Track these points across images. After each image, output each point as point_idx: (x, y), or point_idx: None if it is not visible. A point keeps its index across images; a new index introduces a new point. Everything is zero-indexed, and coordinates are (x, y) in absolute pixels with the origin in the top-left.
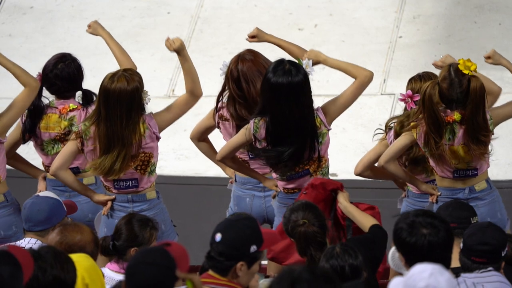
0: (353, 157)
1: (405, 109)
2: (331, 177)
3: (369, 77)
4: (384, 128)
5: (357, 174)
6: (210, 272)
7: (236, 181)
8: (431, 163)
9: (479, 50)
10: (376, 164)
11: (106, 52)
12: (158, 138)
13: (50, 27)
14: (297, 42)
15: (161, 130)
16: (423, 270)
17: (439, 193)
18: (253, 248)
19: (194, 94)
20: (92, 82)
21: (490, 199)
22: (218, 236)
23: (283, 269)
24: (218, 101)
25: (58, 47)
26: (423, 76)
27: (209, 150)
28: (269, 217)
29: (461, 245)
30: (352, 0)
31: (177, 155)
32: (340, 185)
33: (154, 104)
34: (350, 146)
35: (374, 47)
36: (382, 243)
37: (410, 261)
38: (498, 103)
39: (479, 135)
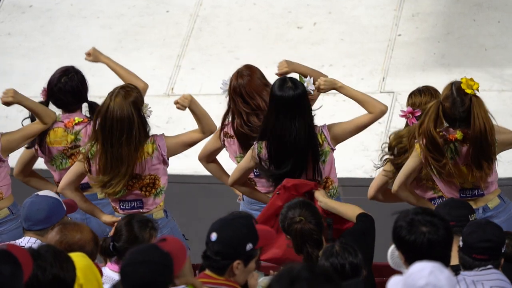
0: (353, 155)
1: (407, 124)
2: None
3: (384, 112)
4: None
5: (370, 199)
6: (207, 271)
7: (243, 199)
8: (438, 184)
9: (478, 47)
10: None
11: (105, 51)
12: (166, 163)
13: (49, 26)
14: (296, 40)
15: (169, 155)
16: (423, 268)
17: None
18: (249, 246)
19: (210, 132)
20: (91, 81)
21: (507, 216)
22: (214, 236)
23: (282, 267)
24: (224, 120)
25: (57, 45)
26: (423, 91)
27: (218, 171)
28: None
29: (461, 243)
30: None
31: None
32: (313, 185)
33: (153, 103)
34: (349, 144)
35: (373, 45)
36: (372, 231)
37: (409, 259)
38: (497, 103)
39: (482, 159)
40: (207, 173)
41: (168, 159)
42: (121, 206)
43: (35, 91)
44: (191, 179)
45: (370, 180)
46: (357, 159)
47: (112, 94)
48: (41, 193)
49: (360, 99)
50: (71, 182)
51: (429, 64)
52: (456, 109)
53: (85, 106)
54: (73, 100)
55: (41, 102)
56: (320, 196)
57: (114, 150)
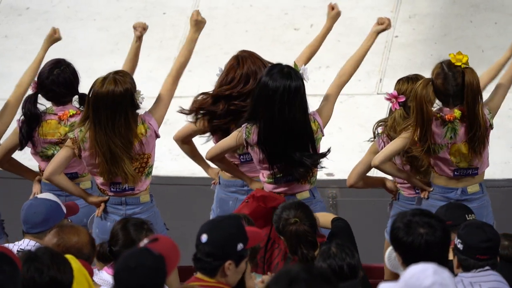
0: (350, 156)
1: (390, 110)
2: (327, 177)
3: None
4: (372, 134)
5: (350, 186)
6: (198, 275)
7: (220, 183)
8: (431, 161)
9: (475, 49)
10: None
11: (102, 53)
12: (157, 137)
13: (46, 28)
14: (293, 42)
15: (159, 125)
16: (426, 269)
17: (431, 189)
18: (240, 246)
19: (180, 75)
20: (87, 83)
21: (480, 204)
22: (204, 237)
23: (280, 269)
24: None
25: (54, 48)
26: (411, 78)
27: (192, 152)
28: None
29: (460, 245)
30: (348, 0)
31: (173, 155)
32: (282, 200)
33: (150, 104)
34: (346, 145)
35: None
36: (350, 232)
37: (407, 261)
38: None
39: (479, 130)
40: (204, 174)
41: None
42: (112, 188)
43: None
44: (188, 181)
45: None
46: (354, 160)
47: (105, 79)
48: (40, 195)
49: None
50: (58, 166)
51: (426, 65)
52: (449, 83)
53: (74, 98)
54: (66, 92)
55: (30, 95)
56: None
57: (108, 133)
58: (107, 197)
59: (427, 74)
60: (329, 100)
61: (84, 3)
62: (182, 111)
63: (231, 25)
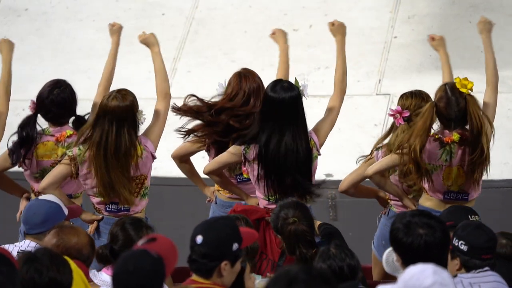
0: (349, 157)
1: (393, 125)
2: (326, 178)
3: (343, 93)
4: (370, 153)
5: (341, 191)
6: (193, 277)
7: (216, 202)
8: (423, 182)
9: (474, 49)
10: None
11: (101, 54)
12: (154, 158)
13: (45, 29)
14: (292, 43)
15: (156, 146)
16: (425, 269)
17: (415, 208)
18: (235, 246)
19: (167, 94)
20: (87, 84)
21: None
22: (200, 238)
23: (279, 270)
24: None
25: (53, 48)
26: (415, 94)
27: (190, 171)
28: None
29: (464, 247)
30: (346, 1)
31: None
32: (264, 212)
33: (149, 106)
34: (345, 146)
35: (369, 47)
36: (342, 236)
37: (406, 262)
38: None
39: (479, 158)
40: (202, 175)
41: (155, 152)
42: (107, 208)
43: (31, 94)
44: (187, 182)
45: (366, 182)
46: (353, 161)
47: (109, 97)
48: (41, 197)
49: (339, 65)
50: (53, 182)
51: (425, 66)
52: (452, 108)
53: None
54: (64, 112)
55: (30, 116)
56: None
57: (110, 152)
58: (100, 216)
59: (426, 74)
60: (328, 115)
61: (83, 4)
62: (174, 110)
63: (230, 25)
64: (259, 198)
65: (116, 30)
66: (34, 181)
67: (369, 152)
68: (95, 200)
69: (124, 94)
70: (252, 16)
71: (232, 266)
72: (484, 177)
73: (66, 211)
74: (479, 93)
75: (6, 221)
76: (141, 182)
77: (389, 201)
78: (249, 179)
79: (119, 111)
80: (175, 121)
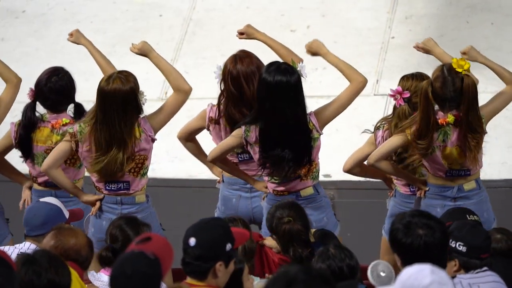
0: (347, 157)
1: (394, 107)
2: (325, 179)
3: (364, 84)
4: (373, 129)
5: (345, 171)
6: (188, 280)
7: (223, 181)
8: (424, 162)
9: None
10: (365, 163)
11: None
12: (153, 140)
13: (43, 30)
14: (290, 43)
15: (156, 131)
16: (422, 269)
17: (427, 188)
18: (228, 246)
19: (181, 90)
20: (85, 85)
21: (478, 199)
22: (192, 240)
23: (278, 270)
24: (219, 104)
25: (51, 50)
26: (416, 75)
27: (196, 150)
28: (256, 218)
29: (463, 248)
30: (344, 1)
31: (170, 157)
32: (248, 236)
33: (147, 106)
34: (343, 147)
35: (367, 48)
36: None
37: (406, 262)
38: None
39: (474, 136)
40: (201, 177)
41: (155, 136)
42: (107, 187)
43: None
44: (185, 183)
45: (365, 182)
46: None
47: (110, 78)
48: (42, 199)
49: (340, 67)
50: (56, 160)
51: (422, 66)
52: (447, 88)
53: (70, 106)
54: (63, 100)
55: (28, 104)
56: (273, 243)
57: (116, 128)
58: (102, 196)
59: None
60: (334, 102)
61: (81, 6)
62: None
63: (228, 26)
64: (266, 181)
65: (78, 36)
66: (31, 166)
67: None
68: (95, 178)
69: (126, 75)
70: (250, 17)
71: (226, 266)
72: (482, 177)
73: (67, 214)
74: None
75: (12, 216)
76: (141, 162)
77: (394, 181)
78: (250, 158)
79: (120, 94)
80: (173, 121)
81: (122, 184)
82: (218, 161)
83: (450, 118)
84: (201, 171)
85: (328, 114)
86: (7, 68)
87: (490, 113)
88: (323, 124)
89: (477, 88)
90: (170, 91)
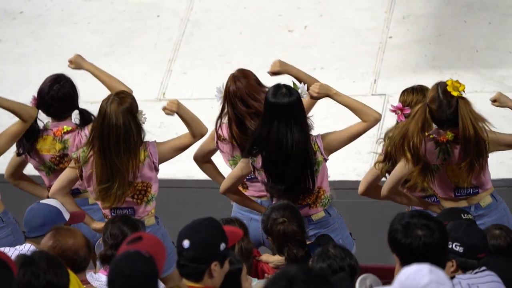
0: (345, 158)
1: (397, 121)
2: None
3: (377, 121)
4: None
5: (362, 195)
6: (184, 282)
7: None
8: (434, 187)
9: (469, 49)
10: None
11: (96, 57)
12: (156, 170)
13: (41, 31)
14: (288, 44)
15: (161, 161)
16: (420, 268)
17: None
18: (223, 246)
19: (201, 135)
20: (82, 86)
21: (498, 215)
22: (186, 243)
23: (277, 270)
24: (217, 123)
25: (49, 51)
26: (416, 89)
27: (213, 172)
28: (265, 240)
29: (460, 248)
30: (342, 1)
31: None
32: (240, 234)
33: (145, 108)
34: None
35: (365, 48)
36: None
37: (405, 262)
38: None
39: (474, 159)
40: (199, 177)
41: (158, 165)
42: (113, 213)
43: (26, 97)
44: (183, 183)
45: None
46: (350, 162)
47: (107, 102)
48: (42, 200)
49: (354, 107)
50: (62, 188)
51: (420, 66)
52: (443, 111)
53: (75, 113)
54: (65, 108)
55: None
56: (270, 258)
57: (112, 158)
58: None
59: (422, 74)
60: (343, 132)
61: (78, 7)
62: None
63: (226, 27)
64: None
65: (78, 62)
66: (42, 174)
67: (370, 150)
68: (101, 205)
69: (123, 97)
70: (248, 17)
71: (222, 266)
72: None
73: (67, 216)
74: (475, 93)
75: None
76: (144, 190)
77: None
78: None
79: (118, 114)
80: (170, 123)
81: (127, 210)
82: (230, 192)
83: (450, 135)
84: (199, 171)
85: (335, 141)
86: (25, 107)
87: (498, 143)
88: (329, 149)
89: (472, 107)
90: (168, 92)
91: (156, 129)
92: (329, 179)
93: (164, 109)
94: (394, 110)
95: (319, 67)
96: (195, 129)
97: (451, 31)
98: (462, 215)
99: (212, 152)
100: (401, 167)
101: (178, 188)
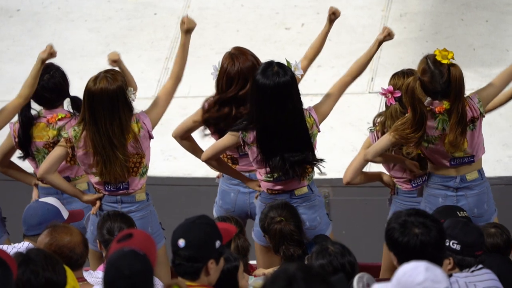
0: (341, 155)
1: (386, 106)
2: (320, 177)
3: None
4: (372, 125)
5: (347, 183)
6: (181, 280)
7: (223, 175)
8: (426, 154)
9: (466, 47)
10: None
11: (93, 54)
12: (151, 137)
13: (37, 29)
14: (284, 41)
15: (154, 126)
16: (417, 266)
17: (419, 171)
18: (218, 243)
19: (179, 79)
20: (79, 84)
21: (479, 190)
22: (182, 242)
23: (277, 269)
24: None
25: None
26: (407, 73)
27: (192, 147)
28: (252, 213)
29: (457, 246)
30: None
31: (165, 156)
32: (233, 231)
33: (142, 105)
34: (338, 144)
35: (361, 46)
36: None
37: (402, 261)
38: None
39: (463, 122)
40: (196, 175)
41: (152, 132)
42: (106, 187)
43: None
44: (181, 181)
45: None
46: (346, 159)
47: (97, 78)
48: (42, 199)
49: (368, 60)
50: (51, 166)
51: (417, 63)
52: (437, 82)
53: (66, 101)
54: (57, 97)
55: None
56: (264, 271)
57: (108, 133)
58: (101, 195)
59: None
60: (329, 97)
61: (75, 5)
62: (205, 134)
63: (222, 25)
64: (260, 181)
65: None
66: (32, 162)
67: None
68: (94, 180)
69: (113, 74)
70: (244, 15)
71: (217, 263)
72: None
73: (65, 215)
74: (472, 91)
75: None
76: (139, 161)
77: (394, 180)
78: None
79: (109, 93)
80: (168, 120)
81: (122, 184)
82: (212, 160)
83: (446, 104)
84: (196, 169)
85: (328, 109)
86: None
87: (488, 98)
88: (322, 118)
89: (463, 76)
90: None
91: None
92: (326, 177)
93: (185, 18)
94: (385, 93)
95: (315, 64)
96: (180, 70)
97: (448, 29)
98: (458, 212)
99: (194, 129)
100: (390, 138)
101: (175, 186)
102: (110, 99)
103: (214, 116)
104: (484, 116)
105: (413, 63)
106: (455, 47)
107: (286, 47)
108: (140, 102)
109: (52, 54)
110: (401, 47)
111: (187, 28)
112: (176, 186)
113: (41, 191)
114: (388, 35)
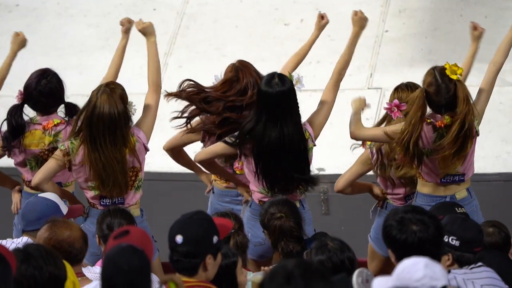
0: (341, 152)
1: (385, 116)
2: (319, 172)
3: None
4: (362, 143)
5: (338, 191)
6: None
7: (213, 192)
8: (419, 170)
9: (465, 43)
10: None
11: (92, 49)
12: (147, 150)
13: (36, 24)
14: (283, 37)
15: (148, 138)
16: (417, 262)
17: (381, 198)
18: (215, 238)
19: (159, 86)
20: (78, 79)
21: (470, 209)
22: (179, 238)
23: (275, 265)
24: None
25: (44, 44)
26: (410, 86)
27: (183, 159)
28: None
29: (456, 241)
30: None
31: (163, 151)
32: (230, 226)
33: (141, 101)
34: (337, 141)
35: (360, 41)
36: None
37: (400, 258)
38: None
39: (467, 139)
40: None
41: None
42: (102, 202)
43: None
44: (179, 177)
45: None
46: (345, 155)
47: (98, 92)
48: (41, 194)
49: (347, 56)
50: (46, 178)
51: (416, 60)
52: (442, 96)
53: (60, 107)
54: (53, 102)
55: (16, 105)
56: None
57: (106, 148)
58: (87, 206)
59: (418, 68)
60: (324, 105)
61: (74, 0)
62: (169, 94)
63: (221, 20)
64: (254, 192)
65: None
66: (25, 171)
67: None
68: (90, 194)
69: (113, 88)
70: (243, 10)
71: (215, 259)
72: (476, 170)
73: (65, 210)
74: (471, 87)
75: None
76: (135, 174)
77: (386, 195)
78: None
79: (111, 116)
80: (166, 115)
81: (117, 199)
82: (205, 163)
83: (447, 119)
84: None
85: (320, 122)
86: None
87: (481, 113)
88: (317, 135)
89: (469, 95)
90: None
91: None
92: (324, 173)
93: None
94: (390, 108)
95: (315, 60)
96: (155, 75)
97: (447, 25)
98: (456, 209)
99: (184, 145)
100: (365, 165)
101: (174, 181)
102: (110, 112)
103: (201, 108)
104: (478, 135)
105: (412, 59)
106: (454, 43)
107: (285, 43)
108: (139, 98)
109: (22, 42)
110: (400, 43)
111: (141, 28)
112: (174, 181)
113: (25, 197)
114: (322, 18)
